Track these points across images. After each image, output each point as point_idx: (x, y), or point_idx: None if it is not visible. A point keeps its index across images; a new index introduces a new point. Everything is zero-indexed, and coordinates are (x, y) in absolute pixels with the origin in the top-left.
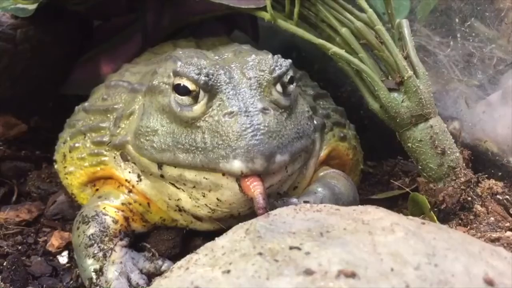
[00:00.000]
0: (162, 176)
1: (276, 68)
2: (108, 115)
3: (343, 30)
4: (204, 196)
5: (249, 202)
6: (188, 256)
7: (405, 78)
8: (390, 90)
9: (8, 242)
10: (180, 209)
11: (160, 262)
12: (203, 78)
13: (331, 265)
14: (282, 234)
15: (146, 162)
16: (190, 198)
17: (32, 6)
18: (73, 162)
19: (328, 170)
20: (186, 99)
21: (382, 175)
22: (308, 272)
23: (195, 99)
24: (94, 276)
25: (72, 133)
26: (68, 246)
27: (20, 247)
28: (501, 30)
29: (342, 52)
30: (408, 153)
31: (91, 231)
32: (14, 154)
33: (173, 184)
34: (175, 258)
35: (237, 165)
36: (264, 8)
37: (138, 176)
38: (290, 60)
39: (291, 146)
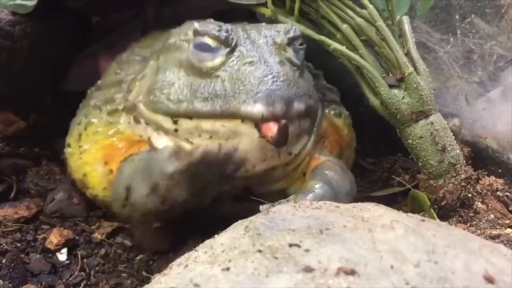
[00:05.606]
0: (176, 130)
1: (291, 30)
2: (122, 85)
3: (344, 27)
4: None
5: (264, 154)
6: (187, 254)
7: (406, 74)
8: (391, 86)
9: (6, 239)
10: None
11: None
12: (224, 34)
13: (330, 263)
14: (282, 231)
15: (159, 118)
16: None
17: (32, 3)
18: (88, 138)
19: (325, 158)
20: (206, 56)
21: (382, 172)
22: (308, 270)
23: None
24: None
25: (87, 111)
26: (67, 244)
27: (18, 244)
28: (501, 27)
29: (342, 48)
30: (408, 149)
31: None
32: (13, 151)
33: (186, 139)
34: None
35: (257, 108)
36: (264, 4)
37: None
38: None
39: (306, 99)
